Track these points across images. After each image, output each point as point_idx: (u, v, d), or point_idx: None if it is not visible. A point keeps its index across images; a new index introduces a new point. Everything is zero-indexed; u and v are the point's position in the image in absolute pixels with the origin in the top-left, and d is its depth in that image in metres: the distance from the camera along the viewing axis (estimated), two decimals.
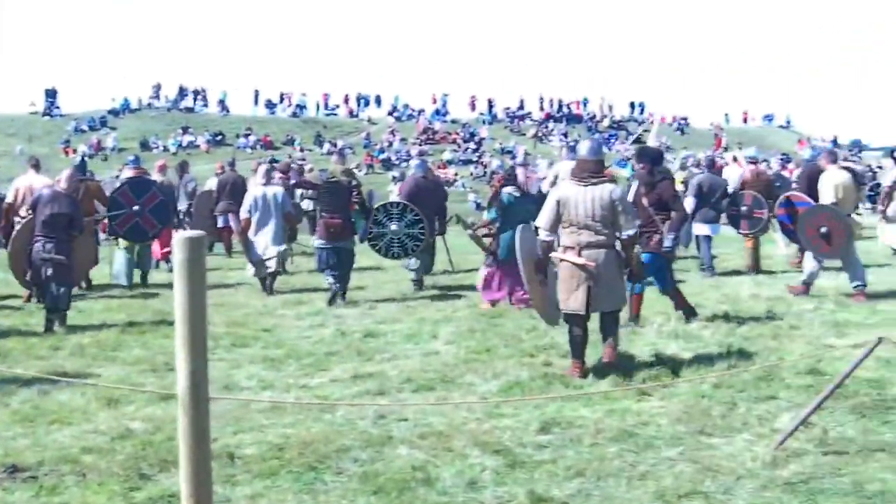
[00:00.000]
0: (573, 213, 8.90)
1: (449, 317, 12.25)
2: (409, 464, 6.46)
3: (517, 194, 13.01)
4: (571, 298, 9.01)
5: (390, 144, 57.92)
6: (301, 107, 65.06)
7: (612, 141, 63.35)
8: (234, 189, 20.07)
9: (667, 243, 11.19)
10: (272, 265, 15.10)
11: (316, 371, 9.46)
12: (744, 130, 71.54)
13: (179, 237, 3.39)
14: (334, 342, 10.78)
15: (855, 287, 13.14)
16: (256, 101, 64.94)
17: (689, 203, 15.40)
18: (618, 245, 9.21)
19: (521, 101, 68.24)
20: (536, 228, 9.28)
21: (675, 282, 11.95)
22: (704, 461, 6.45)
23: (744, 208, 16.77)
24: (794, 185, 17.24)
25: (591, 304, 8.96)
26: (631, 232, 9.11)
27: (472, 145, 58.93)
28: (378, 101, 67.21)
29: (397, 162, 52.68)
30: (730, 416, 7.50)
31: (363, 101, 66.79)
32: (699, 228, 16.67)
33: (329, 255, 13.97)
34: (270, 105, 64.98)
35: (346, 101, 66.83)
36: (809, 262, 13.76)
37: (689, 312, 11.49)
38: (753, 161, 18.77)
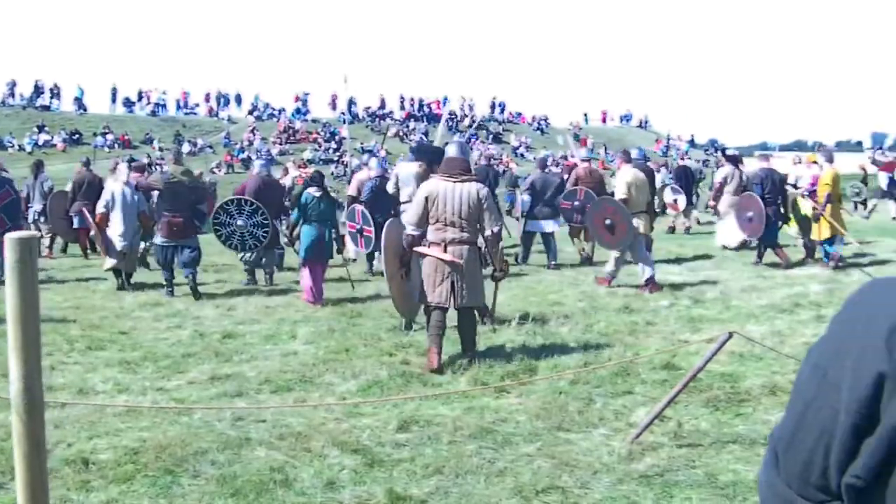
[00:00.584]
0: (441, 210, 9.16)
1: (308, 317, 12.12)
2: (268, 465, 6.36)
3: (317, 194, 13.66)
4: (436, 292, 9.27)
5: (250, 143, 57.16)
6: (160, 105, 63.72)
7: (473, 140, 63.75)
8: (89, 188, 19.54)
9: None
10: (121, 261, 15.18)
11: (173, 373, 9.25)
12: (602, 130, 72.85)
13: (9, 238, 3.22)
14: (192, 344, 10.56)
15: (646, 281, 13.80)
16: (114, 100, 63.34)
17: (525, 200, 17.59)
18: (480, 242, 9.51)
19: (382, 101, 68.19)
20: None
21: None
22: (562, 456, 6.48)
23: (577, 203, 17.80)
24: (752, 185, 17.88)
25: (455, 298, 9.26)
26: (496, 229, 9.43)
27: (332, 144, 58.68)
28: (238, 99, 66.24)
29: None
30: (587, 411, 7.56)
31: (223, 99, 65.72)
32: (546, 225, 17.77)
33: (169, 253, 14.40)
34: (128, 103, 63.44)
35: (207, 99, 65.65)
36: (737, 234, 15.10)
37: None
38: (587, 160, 21.16)
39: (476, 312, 9.78)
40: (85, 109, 61.11)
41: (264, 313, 12.57)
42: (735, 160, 19.69)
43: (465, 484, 6.02)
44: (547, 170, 19.45)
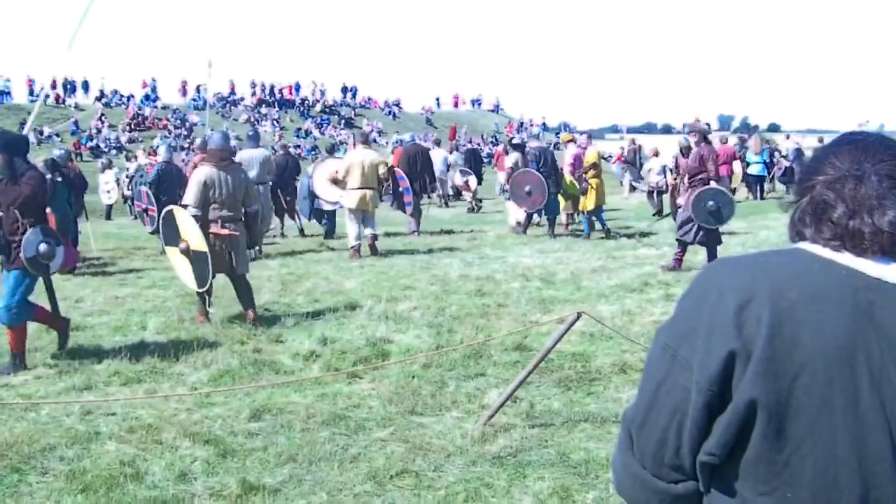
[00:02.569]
0: (216, 193, 10.63)
1: (158, 307, 11.87)
2: (118, 459, 6.22)
3: (59, 179, 14.83)
4: (220, 263, 10.65)
5: (99, 131, 55.72)
6: (4, 93, 61.43)
7: (325, 125, 63.41)
8: None
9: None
10: None
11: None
12: (454, 114, 73.14)
13: None
14: (38, 337, 10.16)
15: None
16: None
17: (311, 183, 19.31)
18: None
19: (232, 86, 67.15)
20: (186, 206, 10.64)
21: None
22: (415, 440, 6.51)
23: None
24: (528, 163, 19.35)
25: (234, 267, 10.76)
26: (256, 207, 11.44)
27: (183, 131, 57.62)
28: (85, 86, 64.40)
29: (106, 149, 50.81)
30: (439, 394, 7.59)
31: (70, 86, 63.83)
32: (325, 204, 19.74)
33: None
34: None
35: (53, 86, 63.63)
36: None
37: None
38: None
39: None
40: None
41: (113, 304, 12.25)
42: (521, 147, 20.49)
43: (319, 471, 5.99)
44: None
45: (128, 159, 30.66)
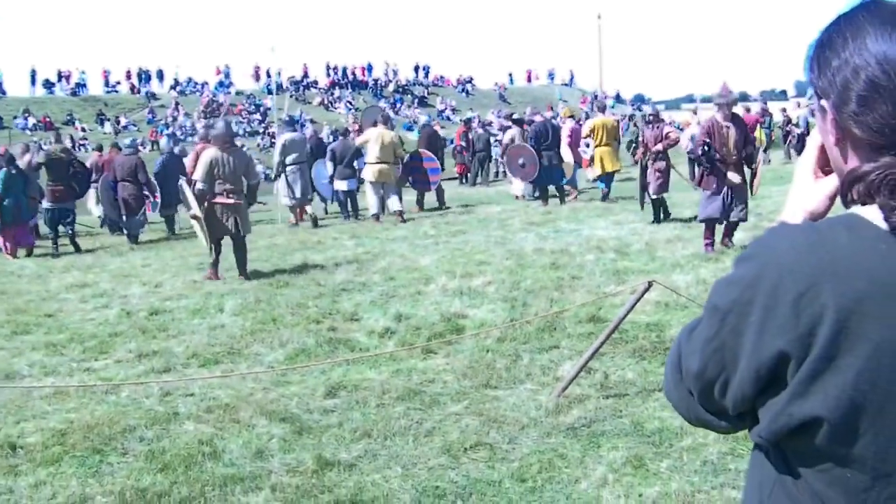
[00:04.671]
0: (222, 171, 12.74)
1: (235, 289, 12.02)
2: (196, 438, 6.32)
3: (13, 171, 17.32)
4: (223, 227, 12.88)
5: (175, 119, 56.49)
6: (81, 85, 62.37)
7: (399, 105, 63.55)
8: None
9: None
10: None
11: (99, 353, 9.11)
12: (527, 90, 72.88)
13: None
14: (119, 322, 10.42)
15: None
16: (34, 81, 61.86)
17: (329, 167, 20.99)
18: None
19: (306, 69, 67.54)
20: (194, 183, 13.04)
21: None
22: (489, 413, 6.53)
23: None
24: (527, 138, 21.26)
25: (239, 230, 12.91)
26: (255, 181, 13.88)
27: (257, 116, 58.16)
28: (160, 75, 65.16)
29: (182, 137, 51.49)
30: (513, 367, 7.60)
31: (144, 76, 64.63)
32: (339, 185, 20.96)
33: (54, 214, 18.19)
34: (49, 84, 62.10)
35: (128, 77, 64.46)
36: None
37: None
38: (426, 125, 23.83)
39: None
40: (4, 93, 59.65)
41: (192, 288, 12.44)
42: (520, 122, 22.71)
43: (394, 445, 6.04)
44: (345, 137, 22.63)
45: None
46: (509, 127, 24.22)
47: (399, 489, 5.39)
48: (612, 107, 68.72)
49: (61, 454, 6.20)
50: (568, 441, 5.95)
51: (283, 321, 9.82)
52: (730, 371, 1.59)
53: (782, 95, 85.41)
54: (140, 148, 21.47)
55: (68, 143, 20.40)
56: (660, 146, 16.04)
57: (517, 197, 22.67)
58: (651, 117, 16.78)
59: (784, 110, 34.62)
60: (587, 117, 32.13)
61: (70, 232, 18.38)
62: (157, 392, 7.47)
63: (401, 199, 19.88)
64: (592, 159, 21.42)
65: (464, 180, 31.30)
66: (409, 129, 55.85)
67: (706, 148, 12.34)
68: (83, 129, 51.84)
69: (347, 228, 18.59)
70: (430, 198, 22.57)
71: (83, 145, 37.95)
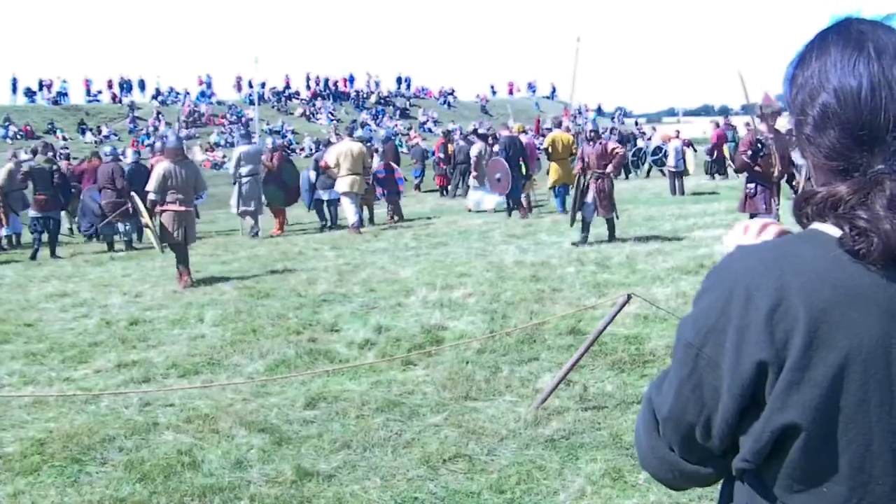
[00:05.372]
0: (173, 182, 13.58)
1: (215, 300, 12.02)
2: (175, 448, 6.32)
3: None
4: (177, 234, 13.55)
5: (156, 129, 56.26)
6: (62, 94, 62.04)
7: (381, 116, 63.54)
8: None
9: None
10: None
11: (79, 363, 9.11)
12: (509, 102, 73.02)
13: None
14: (99, 332, 10.41)
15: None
16: (15, 90, 61.53)
17: (312, 176, 22.06)
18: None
19: (288, 80, 67.45)
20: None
21: None
22: (468, 425, 6.54)
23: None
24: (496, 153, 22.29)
25: (187, 238, 13.74)
26: (204, 191, 15.04)
27: (239, 126, 58.02)
28: (142, 85, 64.85)
29: (162, 148, 51.21)
30: (493, 379, 7.62)
31: (126, 85, 64.36)
32: (321, 194, 21.92)
33: (39, 222, 18.75)
34: (30, 93, 61.72)
35: (110, 86, 64.14)
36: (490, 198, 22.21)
37: None
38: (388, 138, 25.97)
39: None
40: None
41: (172, 298, 12.44)
42: (485, 137, 24.72)
43: (373, 457, 6.05)
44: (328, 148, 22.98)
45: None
46: (474, 142, 25.61)
47: (378, 500, 5.40)
48: (594, 120, 68.91)
49: (40, 463, 6.20)
50: (547, 453, 5.97)
51: (264, 332, 9.83)
52: (711, 407, 1.58)
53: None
54: (121, 157, 21.42)
55: (44, 155, 20.70)
56: (611, 168, 15.50)
57: (470, 209, 23.63)
58: (591, 134, 16.26)
59: (748, 124, 34.72)
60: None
61: (54, 240, 18.95)
62: (136, 402, 7.45)
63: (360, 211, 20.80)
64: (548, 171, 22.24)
65: (444, 192, 31.35)
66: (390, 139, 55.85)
67: (752, 162, 12.13)
68: (64, 139, 51.45)
69: (328, 239, 18.62)
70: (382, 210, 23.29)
71: (64, 154, 37.80)
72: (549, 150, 21.38)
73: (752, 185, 12.27)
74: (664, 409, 1.69)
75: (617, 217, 15.99)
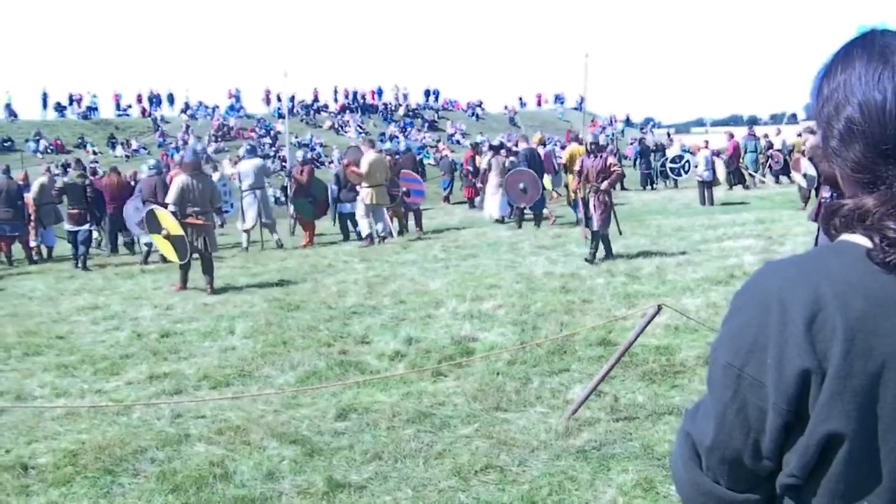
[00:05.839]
0: (194, 195, 14.21)
1: (246, 312, 12.07)
2: (207, 460, 6.35)
3: None
4: (193, 246, 14.03)
5: (185, 143, 56.49)
6: (92, 108, 62.42)
7: (409, 129, 63.64)
8: (8, 197, 20.70)
9: None
10: None
11: (111, 375, 9.17)
12: (536, 113, 72.99)
13: None
14: (130, 344, 10.48)
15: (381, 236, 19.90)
16: (45, 104, 62.00)
17: (334, 189, 22.09)
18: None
19: (316, 93, 67.64)
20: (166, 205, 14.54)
21: None
22: (499, 436, 6.53)
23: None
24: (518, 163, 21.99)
25: (207, 248, 14.26)
26: (219, 204, 15.52)
27: (268, 140, 58.19)
28: (171, 99, 65.22)
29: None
30: (524, 390, 7.62)
31: (155, 99, 64.73)
32: (345, 207, 21.98)
33: (75, 235, 19.34)
34: (60, 108, 62.16)
35: (139, 100, 64.57)
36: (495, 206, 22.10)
37: None
38: (390, 153, 25.15)
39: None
40: (16, 116, 59.72)
41: (202, 311, 12.50)
42: (498, 148, 24.11)
43: (404, 468, 6.06)
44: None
45: (214, 169, 31.14)
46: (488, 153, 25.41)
47: None
48: (622, 131, 68.86)
49: (73, 475, 6.24)
50: (578, 464, 5.96)
51: (294, 344, 9.86)
52: (758, 428, 1.56)
53: (793, 119, 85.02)
54: (163, 171, 21.74)
55: (77, 170, 21.20)
56: (605, 185, 14.87)
57: (493, 219, 23.34)
58: (592, 146, 15.65)
59: (766, 136, 34.73)
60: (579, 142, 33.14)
61: (85, 252, 19.28)
62: (168, 414, 7.50)
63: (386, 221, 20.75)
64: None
65: (472, 204, 31.35)
66: (419, 153, 55.97)
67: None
68: (94, 153, 51.82)
69: (357, 251, 18.65)
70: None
71: (94, 168, 37.99)
72: (568, 163, 21.42)
73: (827, 195, 12.21)
74: (707, 439, 1.65)
75: (620, 231, 15.80)
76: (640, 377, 7.84)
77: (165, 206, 14.60)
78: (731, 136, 32.09)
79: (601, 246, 14.91)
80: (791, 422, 1.54)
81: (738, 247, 15.22)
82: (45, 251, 22.15)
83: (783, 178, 31.64)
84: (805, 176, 22.06)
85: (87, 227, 19.57)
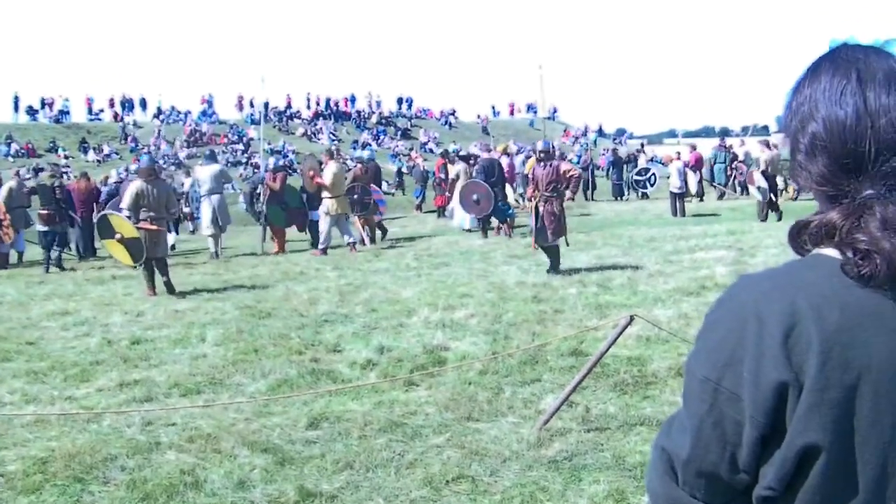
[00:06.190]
0: (145, 200, 14.69)
1: (217, 319, 12.02)
2: (178, 468, 6.32)
3: None
4: (152, 250, 14.60)
5: (157, 148, 56.26)
6: (64, 112, 62.02)
7: (382, 137, 63.63)
8: None
9: None
10: None
11: (81, 382, 9.10)
12: (510, 122, 73.11)
13: None
14: (100, 351, 10.41)
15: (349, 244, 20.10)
16: (17, 108, 61.53)
17: (304, 197, 22.25)
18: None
19: (289, 100, 67.49)
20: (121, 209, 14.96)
21: None
22: (471, 446, 6.53)
23: (355, 196, 21.71)
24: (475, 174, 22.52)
25: (158, 252, 14.84)
26: (174, 209, 16.41)
27: (240, 146, 58.03)
28: (143, 104, 64.94)
29: (164, 166, 51.19)
30: (495, 400, 7.62)
31: (128, 104, 64.42)
32: (313, 215, 22.01)
33: (47, 236, 20.06)
34: (32, 111, 61.71)
35: (111, 104, 64.21)
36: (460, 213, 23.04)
37: None
38: (361, 160, 25.10)
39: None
40: None
41: (173, 318, 12.44)
42: (466, 158, 25.23)
43: (376, 477, 6.05)
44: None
45: (187, 174, 31.05)
46: (454, 162, 25.92)
47: None
48: (594, 141, 69.05)
49: (42, 482, 6.20)
50: (550, 474, 5.96)
51: (265, 352, 9.83)
52: (734, 442, 1.57)
53: (764, 130, 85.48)
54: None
55: (49, 171, 21.49)
56: (569, 193, 14.84)
57: (463, 228, 23.90)
58: (542, 155, 15.33)
59: (730, 147, 34.95)
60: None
61: (58, 252, 20.18)
62: (138, 421, 7.46)
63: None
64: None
65: (442, 213, 31.38)
66: (393, 159, 55.88)
67: None
68: (66, 157, 51.52)
69: (329, 259, 18.64)
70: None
71: (65, 173, 37.74)
72: (529, 173, 21.18)
73: None
74: (683, 452, 1.65)
75: (567, 243, 15.46)
76: (612, 388, 7.85)
77: (120, 210, 15.17)
78: (694, 147, 32.40)
79: (550, 258, 14.81)
80: (768, 434, 1.55)
81: (709, 258, 15.29)
82: (14, 256, 22.00)
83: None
84: (759, 189, 22.49)
85: (58, 227, 20.24)
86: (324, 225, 20.33)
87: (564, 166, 15.28)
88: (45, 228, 20.19)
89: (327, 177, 20.06)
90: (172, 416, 7.62)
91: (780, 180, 25.01)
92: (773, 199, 22.68)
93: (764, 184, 22.46)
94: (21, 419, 7.67)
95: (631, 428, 6.80)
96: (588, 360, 7.15)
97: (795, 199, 27.30)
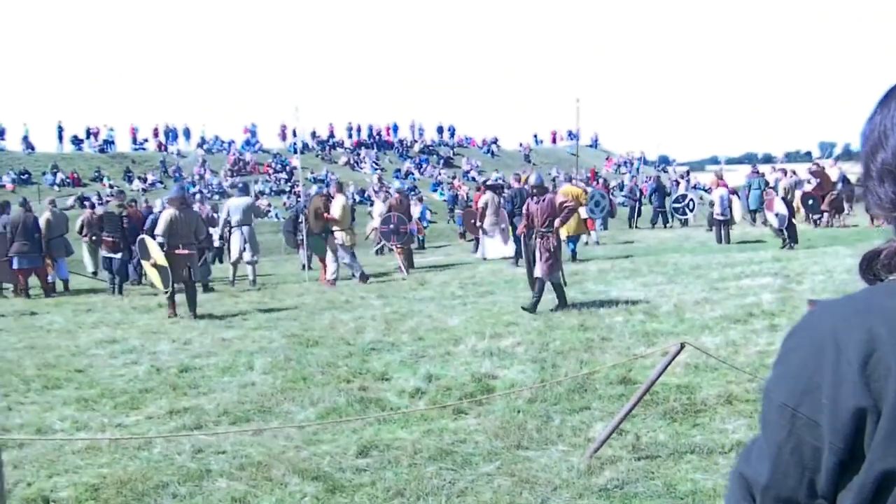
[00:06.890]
0: (180, 228, 15.64)
1: (264, 347, 12.09)
2: (229, 496, 6.36)
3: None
4: (178, 275, 15.59)
5: (201, 177, 56.76)
6: (108, 142, 62.72)
7: (424, 165, 63.83)
8: (25, 229, 20.95)
9: None
10: None
11: (130, 409, 9.18)
12: (552, 150, 73.12)
13: None
14: (149, 379, 10.49)
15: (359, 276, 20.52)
16: (61, 138, 62.29)
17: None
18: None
19: (331, 129, 67.86)
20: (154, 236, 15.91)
21: None
22: (521, 474, 6.52)
23: (391, 226, 23.13)
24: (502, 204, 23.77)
25: (192, 276, 15.95)
26: (203, 236, 16.85)
27: (283, 175, 58.41)
28: (187, 133, 65.51)
29: (209, 195, 51.57)
30: (545, 428, 7.60)
31: (171, 133, 65.06)
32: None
33: (109, 262, 21.20)
34: (77, 141, 62.47)
35: (155, 134, 64.94)
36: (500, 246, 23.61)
37: None
38: (399, 191, 26.66)
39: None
40: (33, 148, 60.04)
41: (221, 346, 12.52)
42: (495, 188, 25.97)
43: None
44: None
45: None
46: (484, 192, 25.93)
47: None
48: (637, 168, 68.96)
49: None
50: (601, 502, 5.95)
51: (314, 380, 9.87)
52: (813, 468, 1.57)
53: (807, 157, 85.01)
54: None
55: (96, 199, 21.98)
56: (557, 222, 14.37)
57: (486, 258, 24.31)
58: (535, 189, 14.86)
59: (763, 174, 34.52)
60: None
61: (122, 279, 21.39)
62: (189, 448, 7.50)
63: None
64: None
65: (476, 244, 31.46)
66: (435, 189, 56.04)
67: None
68: (111, 186, 52.05)
69: (374, 288, 18.71)
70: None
71: (110, 199, 38.06)
72: (525, 211, 21.39)
73: None
74: (762, 479, 1.65)
75: (565, 283, 15.09)
76: (662, 416, 7.82)
77: (155, 237, 15.96)
78: (719, 176, 32.10)
79: (556, 294, 14.25)
80: (846, 461, 1.54)
81: (755, 285, 15.18)
82: (60, 284, 22.24)
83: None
84: (777, 215, 22.34)
85: (119, 255, 21.16)
86: (346, 256, 20.92)
87: (559, 198, 15.45)
88: (108, 255, 21.15)
89: (336, 210, 20.87)
90: (223, 443, 7.66)
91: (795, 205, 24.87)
92: (791, 224, 22.65)
93: (784, 210, 22.38)
94: (72, 446, 7.74)
95: (681, 456, 6.77)
96: (638, 388, 7.14)
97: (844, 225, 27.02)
